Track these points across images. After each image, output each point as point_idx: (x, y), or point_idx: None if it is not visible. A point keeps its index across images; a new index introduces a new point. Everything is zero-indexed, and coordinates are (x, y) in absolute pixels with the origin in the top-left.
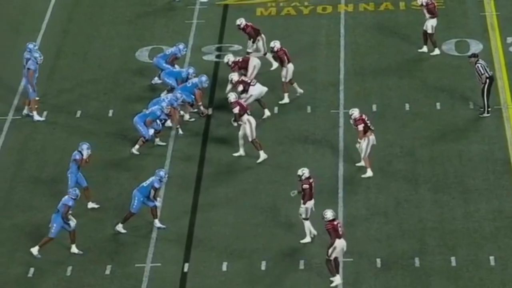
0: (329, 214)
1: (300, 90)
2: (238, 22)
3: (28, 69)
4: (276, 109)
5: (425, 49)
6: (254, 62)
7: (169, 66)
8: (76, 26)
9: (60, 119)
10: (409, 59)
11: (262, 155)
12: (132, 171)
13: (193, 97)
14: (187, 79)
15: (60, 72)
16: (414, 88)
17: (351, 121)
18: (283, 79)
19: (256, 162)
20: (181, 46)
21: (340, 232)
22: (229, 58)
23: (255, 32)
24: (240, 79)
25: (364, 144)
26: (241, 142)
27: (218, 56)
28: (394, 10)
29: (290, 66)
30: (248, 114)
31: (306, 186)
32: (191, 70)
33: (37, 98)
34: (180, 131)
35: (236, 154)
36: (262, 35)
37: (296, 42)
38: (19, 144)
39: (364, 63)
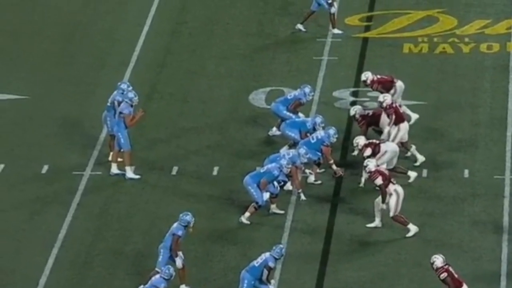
0: None
1: (421, 158)
2: (363, 77)
3: (121, 113)
4: (425, 172)
5: None
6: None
7: (291, 114)
8: (175, 59)
9: (151, 177)
10: None
11: (413, 228)
12: (241, 245)
13: (320, 154)
14: (313, 130)
15: (153, 117)
16: None
17: None
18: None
19: (397, 237)
20: (307, 90)
21: None
22: (357, 110)
23: (385, 87)
24: (367, 142)
25: None
26: (377, 209)
27: (353, 103)
28: None
29: (403, 127)
30: (393, 183)
31: (444, 275)
32: (318, 120)
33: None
34: (303, 197)
35: (370, 225)
36: (397, 85)
37: (452, 87)
38: (99, 207)
39: None
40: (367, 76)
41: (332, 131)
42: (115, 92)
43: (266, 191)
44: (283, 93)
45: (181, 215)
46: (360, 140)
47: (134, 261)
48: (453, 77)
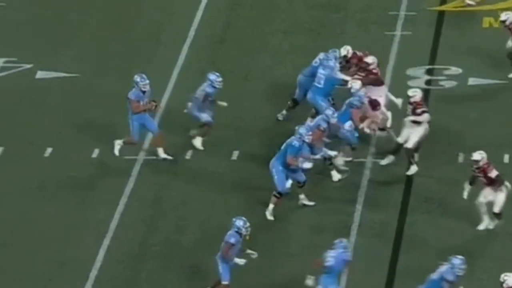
0: None
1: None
2: (343, 51)
3: (128, 98)
4: (506, 158)
5: None
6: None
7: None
8: (235, 34)
9: (209, 162)
10: None
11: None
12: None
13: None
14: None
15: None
16: None
17: None
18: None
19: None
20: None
21: None
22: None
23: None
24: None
25: None
26: (483, 210)
27: (428, 82)
28: None
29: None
30: None
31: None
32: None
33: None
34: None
35: (481, 227)
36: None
37: None
38: (153, 195)
39: None
40: (346, 49)
41: (361, 93)
42: (204, 84)
43: (302, 167)
44: None
45: (233, 219)
46: (356, 84)
47: (190, 253)
48: None
